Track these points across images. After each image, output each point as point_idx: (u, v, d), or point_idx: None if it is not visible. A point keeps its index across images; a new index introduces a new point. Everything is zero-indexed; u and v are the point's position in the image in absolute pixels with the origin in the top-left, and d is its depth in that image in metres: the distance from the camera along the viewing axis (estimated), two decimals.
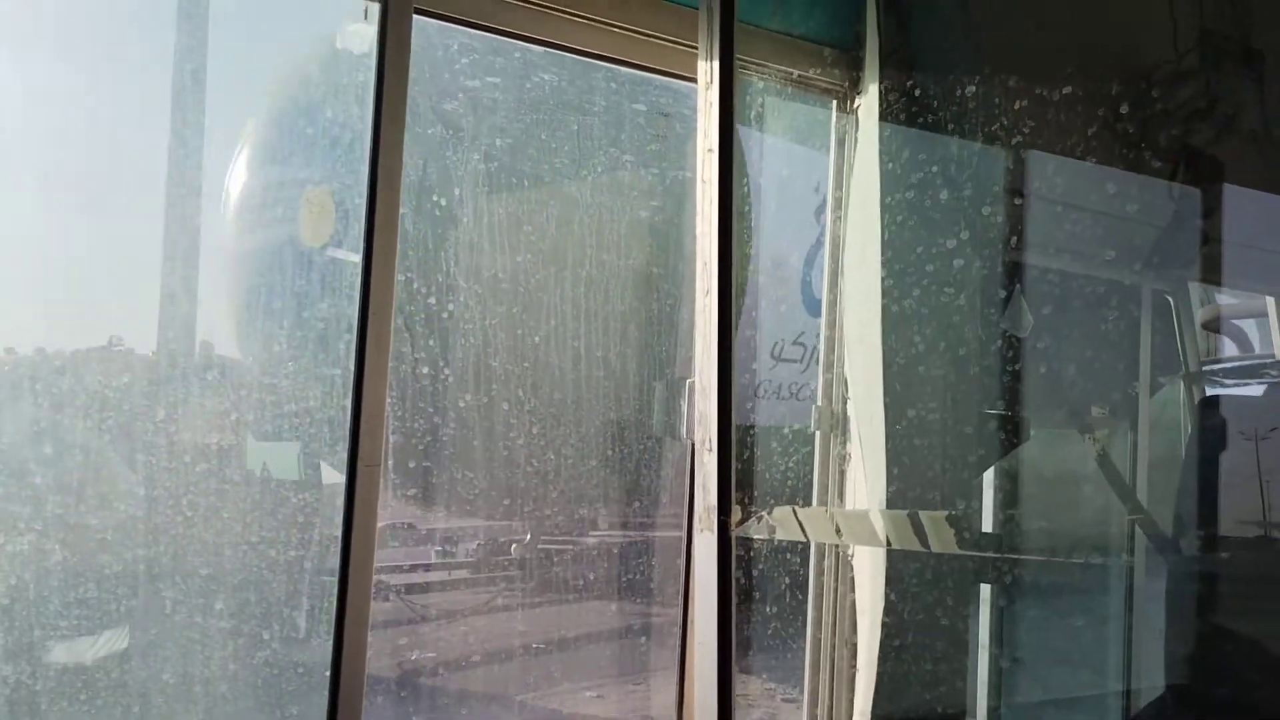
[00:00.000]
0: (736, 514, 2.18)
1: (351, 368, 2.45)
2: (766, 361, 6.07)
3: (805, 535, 2.28)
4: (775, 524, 2.22)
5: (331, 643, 2.48)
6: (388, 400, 2.48)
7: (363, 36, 2.48)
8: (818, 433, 3.20)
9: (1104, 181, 3.18)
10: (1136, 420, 3.35)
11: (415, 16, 2.53)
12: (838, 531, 2.44)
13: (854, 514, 2.59)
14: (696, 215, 2.39)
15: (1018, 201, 3.08)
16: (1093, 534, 3.09)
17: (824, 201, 3.88)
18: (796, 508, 2.33)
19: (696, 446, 2.31)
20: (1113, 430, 3.24)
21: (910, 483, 2.65)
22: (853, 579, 2.94)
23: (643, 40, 2.89)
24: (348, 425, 2.44)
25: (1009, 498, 3.01)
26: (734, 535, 2.17)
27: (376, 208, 2.46)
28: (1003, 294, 3.08)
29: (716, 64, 2.38)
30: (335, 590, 2.42)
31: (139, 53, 4.10)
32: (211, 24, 4.22)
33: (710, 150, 2.37)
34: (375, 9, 2.49)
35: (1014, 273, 3.10)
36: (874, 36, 2.81)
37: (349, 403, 2.44)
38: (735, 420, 2.23)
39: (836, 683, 2.91)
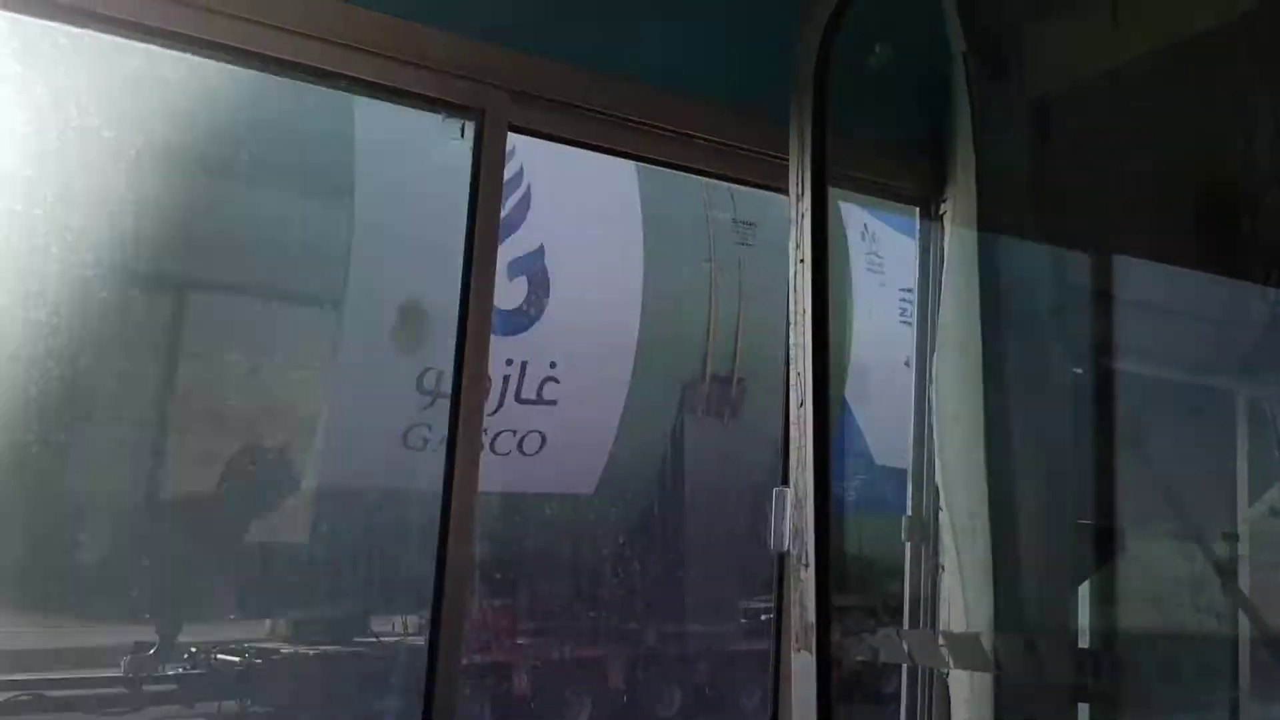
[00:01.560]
0: (835, 633, 2.11)
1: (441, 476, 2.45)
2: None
3: (911, 659, 2.20)
4: (878, 646, 2.14)
5: None
6: (477, 509, 2.47)
7: (458, 153, 2.54)
8: (908, 545, 3.12)
9: (1199, 287, 3.11)
10: (1236, 531, 3.23)
11: (509, 133, 2.59)
12: (947, 656, 2.35)
13: (964, 637, 2.50)
14: (789, 325, 2.37)
15: (1112, 308, 3.03)
16: (1198, 650, 2.95)
17: None
18: (900, 630, 2.25)
19: (791, 560, 2.25)
20: (1214, 541, 3.12)
21: (1014, 600, 2.55)
22: (948, 698, 2.83)
23: (730, 152, 2.93)
24: (436, 533, 2.43)
25: (1111, 613, 2.89)
26: (834, 656, 2.10)
27: (469, 319, 2.49)
28: (1098, 402, 3.02)
29: (808, 175, 2.38)
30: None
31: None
32: (318, 144, 4.40)
33: (803, 261, 2.36)
34: (470, 127, 2.56)
35: (1110, 381, 3.04)
36: (965, 143, 2.81)
37: (439, 512, 2.43)
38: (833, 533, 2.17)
39: None
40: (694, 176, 3.09)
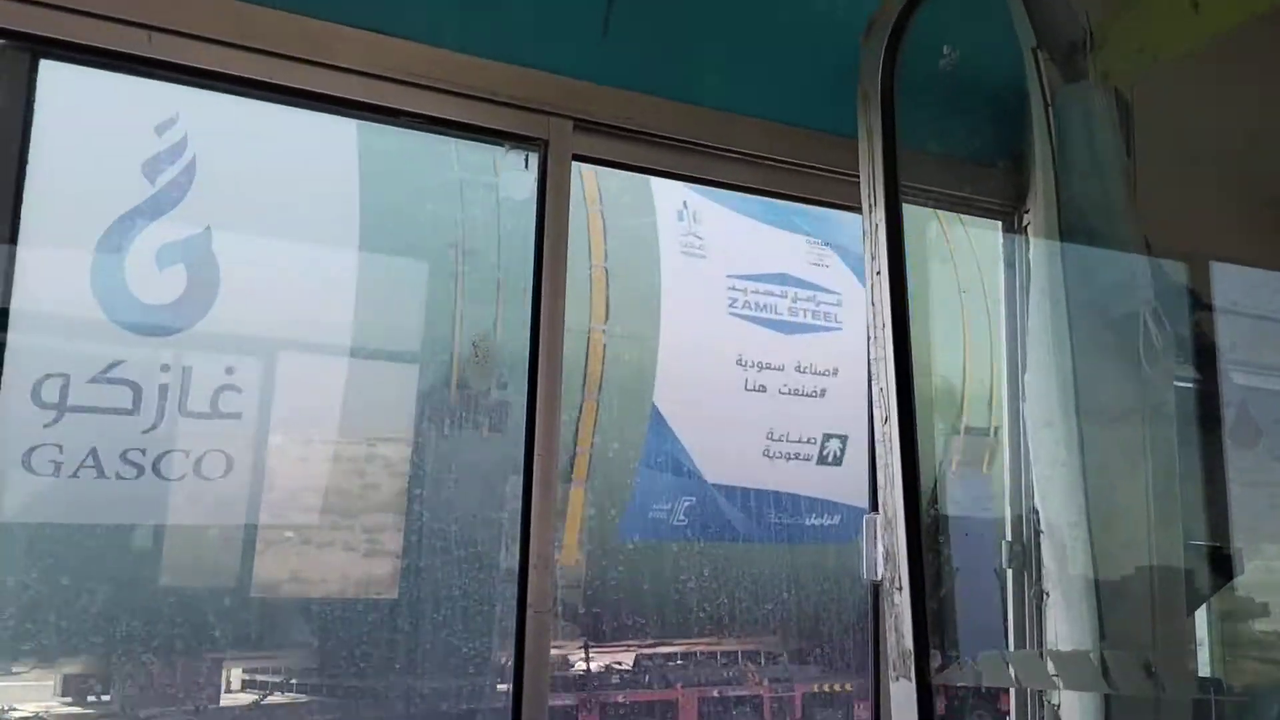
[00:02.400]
0: (936, 659, 2.00)
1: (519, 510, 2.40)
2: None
3: (1016, 681, 2.07)
4: (981, 669, 2.02)
5: None
6: (555, 545, 2.41)
7: (523, 184, 2.53)
8: (1009, 570, 2.98)
9: None
10: None
11: (573, 162, 2.57)
12: (1054, 675, 2.21)
13: (1072, 655, 2.35)
14: (869, 340, 2.29)
15: (1208, 316, 2.88)
16: None
17: None
18: (1005, 651, 2.12)
19: (885, 586, 2.15)
20: None
21: (1119, 619, 2.41)
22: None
23: (798, 171, 2.87)
24: (516, 570, 2.38)
25: (1227, 635, 2.72)
26: (934, 683, 1.98)
27: (540, 349, 2.46)
28: (1199, 413, 2.86)
29: (880, 186, 2.31)
30: None
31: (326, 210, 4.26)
32: (385, 180, 4.41)
33: (879, 273, 2.28)
34: (535, 158, 2.54)
35: (1211, 391, 2.88)
36: (1044, 152, 2.71)
37: (517, 549, 2.38)
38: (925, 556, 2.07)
39: None
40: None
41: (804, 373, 5.70)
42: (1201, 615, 2.72)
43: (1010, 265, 3.18)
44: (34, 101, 2.18)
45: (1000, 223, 3.18)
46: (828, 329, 5.82)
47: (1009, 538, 3.04)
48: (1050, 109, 2.61)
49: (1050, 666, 2.27)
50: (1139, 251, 2.80)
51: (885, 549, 2.12)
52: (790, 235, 5.88)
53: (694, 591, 5.48)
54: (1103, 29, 2.44)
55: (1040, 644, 2.68)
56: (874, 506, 2.32)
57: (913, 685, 1.99)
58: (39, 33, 2.09)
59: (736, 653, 6.03)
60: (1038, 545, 2.90)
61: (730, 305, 5.62)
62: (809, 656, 6.18)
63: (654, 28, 2.69)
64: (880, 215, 2.32)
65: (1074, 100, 2.62)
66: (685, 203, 5.42)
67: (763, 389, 5.63)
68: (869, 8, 2.46)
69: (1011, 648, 2.58)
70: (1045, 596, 2.84)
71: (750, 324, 5.66)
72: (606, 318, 5.19)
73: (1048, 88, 2.60)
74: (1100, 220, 2.75)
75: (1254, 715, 2.62)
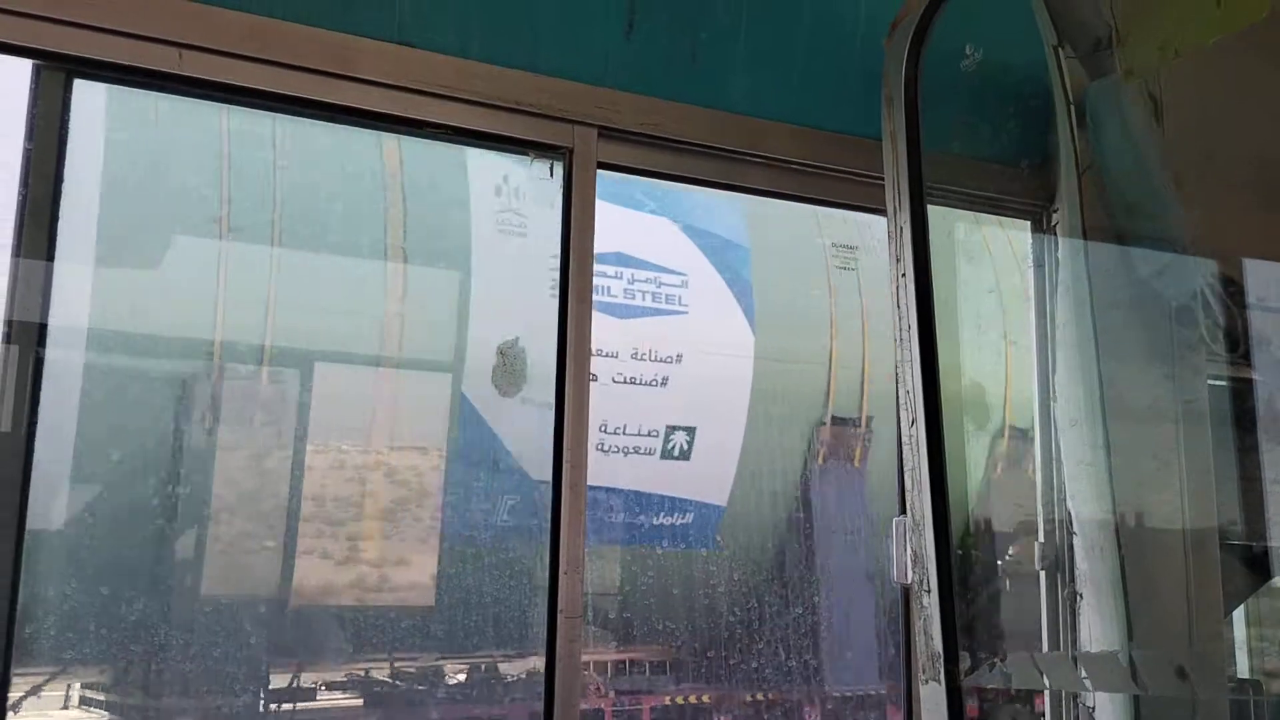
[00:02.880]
0: (965, 661, 1.99)
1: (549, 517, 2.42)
2: None
3: (1046, 682, 2.06)
4: (1010, 671, 2.01)
5: None
6: (585, 551, 2.43)
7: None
8: (1043, 572, 2.97)
9: None
10: None
11: (598, 170, 2.59)
12: (1083, 677, 2.20)
13: (1101, 656, 2.34)
14: (896, 342, 2.29)
15: (1243, 311, 2.85)
16: None
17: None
18: (1035, 653, 2.11)
19: (913, 589, 2.14)
20: None
21: (1153, 622, 2.39)
22: None
23: (824, 175, 2.87)
24: (546, 576, 2.39)
25: (1266, 636, 2.69)
26: (964, 685, 1.98)
27: (567, 356, 2.47)
28: (1235, 410, 2.83)
29: (905, 187, 2.31)
30: None
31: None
32: (409, 193, 4.46)
33: (904, 275, 2.28)
34: (559, 166, 2.56)
35: (1246, 388, 2.85)
36: (1068, 151, 2.69)
37: (547, 555, 2.40)
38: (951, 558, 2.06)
39: None
40: None
41: (642, 360, 5.23)
42: (1239, 616, 2.70)
43: (1040, 265, 3.16)
44: (69, 119, 2.23)
45: (1029, 222, 3.17)
46: (670, 313, 5.29)
47: (1041, 539, 3.02)
48: (1072, 107, 2.60)
49: (1080, 668, 2.25)
50: (1170, 248, 2.78)
51: (914, 552, 2.12)
52: (630, 211, 5.38)
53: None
54: (1125, 25, 2.43)
55: (1074, 646, 2.66)
56: (902, 510, 2.32)
57: (942, 688, 1.99)
58: (74, 53, 2.14)
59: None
60: (1070, 546, 2.88)
61: (554, 287, 5.09)
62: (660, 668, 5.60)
63: (677, 34, 2.70)
64: (905, 218, 2.32)
65: (1101, 97, 2.61)
66: (506, 177, 4.86)
67: (593, 377, 4.87)
68: (892, 10, 2.46)
69: (1045, 650, 2.56)
70: (1079, 598, 2.82)
71: None
72: (403, 301, 4.66)
73: (1070, 86, 2.59)
74: (1131, 218, 2.73)
75: None
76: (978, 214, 3.31)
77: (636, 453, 5.23)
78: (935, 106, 2.50)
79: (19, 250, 2.20)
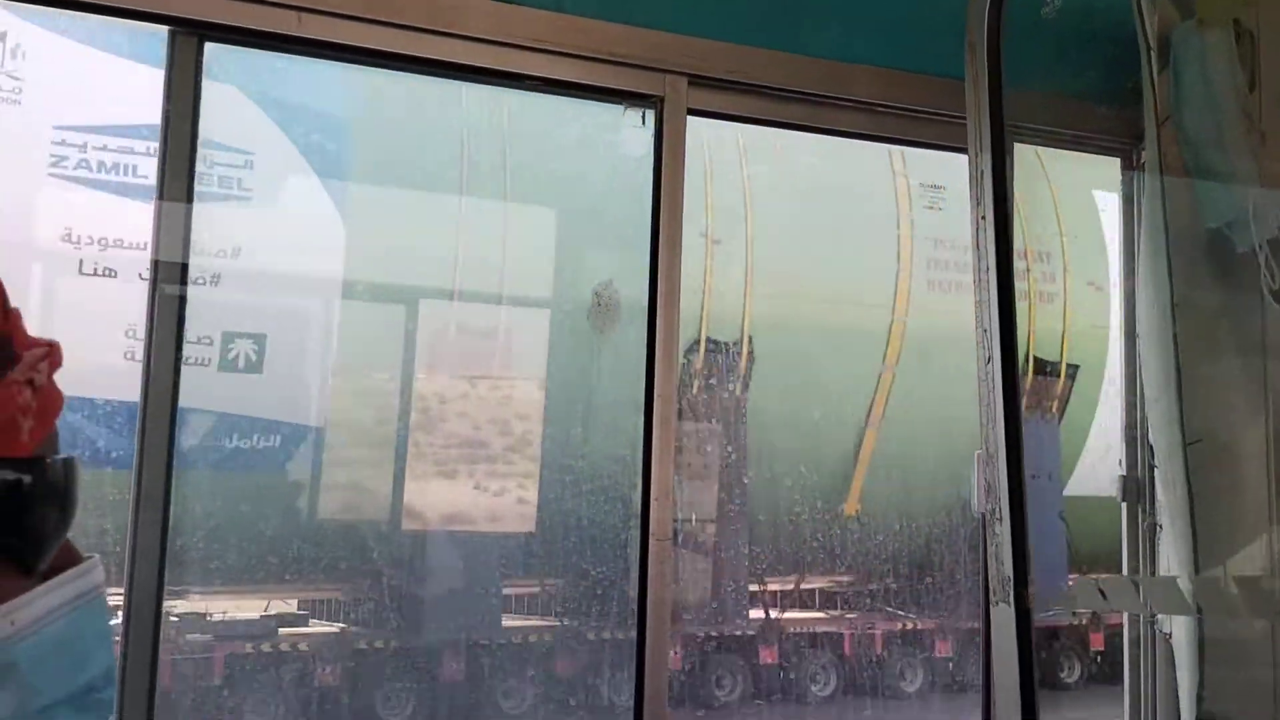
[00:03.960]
0: (1034, 585, 2.11)
1: (640, 448, 2.58)
2: None
3: (1108, 605, 2.17)
4: (1076, 594, 2.12)
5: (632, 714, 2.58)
6: (674, 476, 2.59)
7: (641, 140, 2.66)
8: (1124, 504, 3.04)
9: None
10: None
11: (689, 117, 2.70)
12: (1144, 600, 2.29)
13: (1160, 581, 2.42)
14: (975, 283, 2.37)
15: None
16: None
17: None
18: (1098, 577, 2.22)
19: (987, 518, 2.26)
20: None
21: (1221, 550, 2.46)
22: (1172, 659, 2.74)
23: (911, 117, 2.93)
24: (638, 502, 2.56)
25: None
26: (1033, 608, 2.09)
27: (659, 298, 2.61)
28: None
29: (986, 130, 2.37)
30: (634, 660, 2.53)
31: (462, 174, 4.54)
32: (509, 140, 4.63)
33: (984, 217, 2.35)
34: (651, 114, 2.68)
35: None
36: (1150, 90, 2.71)
37: (639, 480, 2.56)
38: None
39: None
40: None
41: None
42: None
43: (1129, 201, 3.18)
44: (201, 80, 2.42)
45: (1119, 160, 3.18)
46: (226, 197, 4.37)
47: (1123, 471, 3.09)
48: (1153, 51, 2.61)
49: (1140, 592, 2.35)
50: (1257, 185, 2.78)
51: (987, 483, 2.22)
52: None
53: None
54: None
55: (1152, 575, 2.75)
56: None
57: (1012, 610, 2.11)
58: (204, 19, 2.32)
59: None
60: (1151, 479, 2.95)
61: (57, 164, 4.28)
62: None
63: None
64: (986, 161, 2.38)
65: (1187, 35, 2.61)
66: (3, 33, 4.18)
67: (111, 273, 4.28)
68: None
69: None
70: (1159, 529, 2.90)
71: (89, 189, 4.32)
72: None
73: (1155, 23, 2.60)
74: (1217, 155, 2.74)
75: None
76: (1060, 153, 3.32)
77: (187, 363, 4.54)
78: (1021, 45, 2.54)
79: (162, 194, 2.40)
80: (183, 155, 2.37)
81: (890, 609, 6.52)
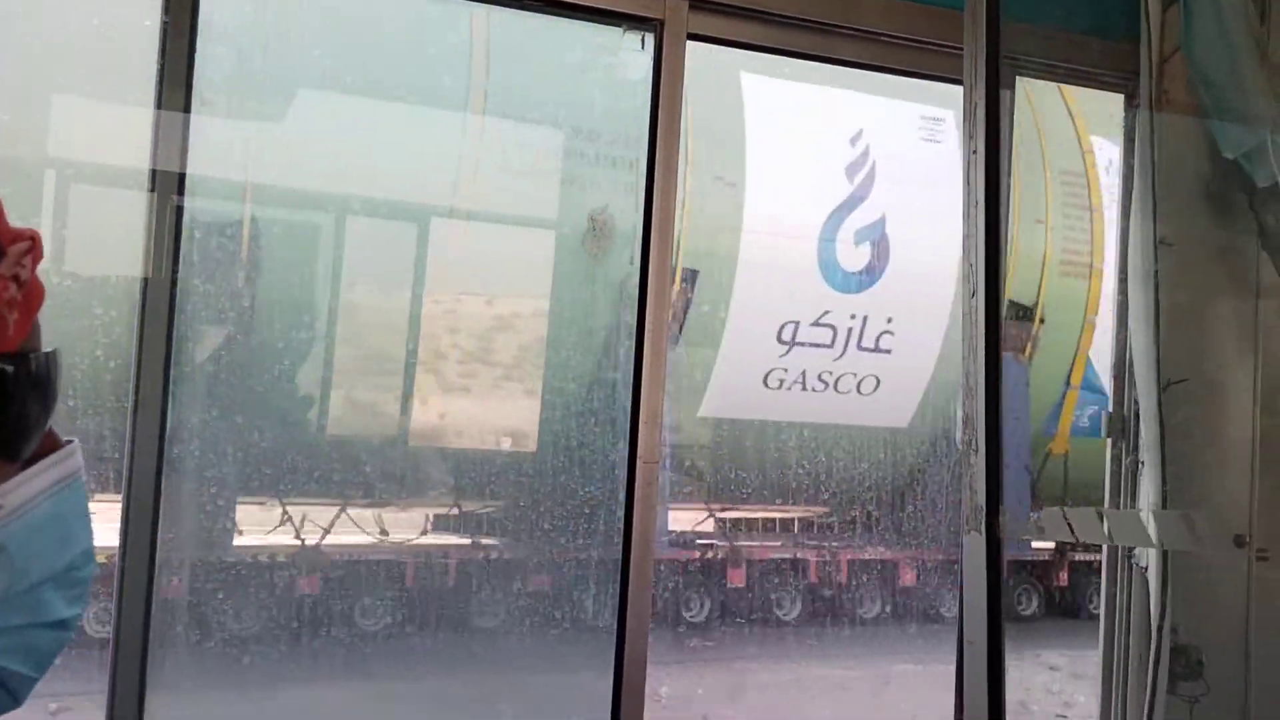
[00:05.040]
0: (1005, 515, 2.16)
1: (630, 372, 2.62)
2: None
3: (1074, 536, 2.23)
4: (1043, 525, 2.17)
5: (615, 635, 2.65)
6: (664, 401, 2.63)
7: (639, 64, 2.66)
8: (1109, 440, 3.08)
9: None
10: None
11: (688, 42, 2.69)
12: (1108, 532, 2.35)
13: (1124, 515, 2.48)
14: (963, 217, 2.39)
15: None
16: None
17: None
18: (1065, 509, 2.27)
19: (962, 449, 2.30)
20: None
21: (1188, 487, 2.51)
22: (1147, 594, 2.80)
23: (916, 48, 2.91)
24: (627, 425, 2.61)
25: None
26: (1002, 536, 2.15)
27: (652, 223, 2.63)
28: None
29: (982, 64, 2.37)
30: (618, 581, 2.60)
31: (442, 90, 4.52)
32: (496, 61, 4.61)
33: (976, 152, 2.36)
34: (650, 38, 2.67)
35: None
36: (1146, 27, 2.69)
37: (628, 404, 2.61)
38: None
39: (1130, 696, 2.79)
40: None
41: None
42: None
43: (1130, 138, 3.17)
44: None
45: (1122, 96, 3.16)
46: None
47: (1110, 409, 3.12)
48: None
49: (1104, 523, 2.40)
50: (1274, 115, 2.77)
51: (965, 414, 2.27)
52: None
53: None
54: None
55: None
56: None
57: (983, 538, 2.16)
58: None
59: None
60: (1136, 415, 2.98)
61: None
62: None
63: None
64: (980, 94, 2.38)
65: None
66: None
67: None
68: None
69: None
70: (1140, 466, 2.94)
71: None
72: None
73: None
74: (1233, 87, 2.72)
75: None
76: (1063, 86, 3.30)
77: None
78: None
79: (160, 103, 2.42)
80: (181, 58, 2.38)
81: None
